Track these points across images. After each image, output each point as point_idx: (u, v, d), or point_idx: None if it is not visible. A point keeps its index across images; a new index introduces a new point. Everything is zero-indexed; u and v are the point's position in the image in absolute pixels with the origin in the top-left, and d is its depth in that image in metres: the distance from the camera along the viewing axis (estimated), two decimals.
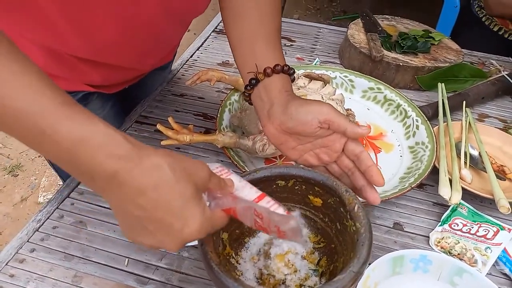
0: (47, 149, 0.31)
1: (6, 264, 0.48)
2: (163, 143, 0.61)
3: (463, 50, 0.87)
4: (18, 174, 1.62)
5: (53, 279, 0.47)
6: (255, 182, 0.45)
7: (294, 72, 0.51)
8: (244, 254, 0.48)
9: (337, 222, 0.45)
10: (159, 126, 0.60)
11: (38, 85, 0.31)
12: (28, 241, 0.51)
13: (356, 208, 0.42)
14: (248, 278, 0.46)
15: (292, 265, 0.46)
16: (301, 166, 0.46)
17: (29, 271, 0.48)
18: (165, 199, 0.31)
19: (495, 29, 1.06)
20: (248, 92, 0.50)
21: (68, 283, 0.47)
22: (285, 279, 0.45)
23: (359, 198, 0.43)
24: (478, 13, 1.08)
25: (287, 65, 0.49)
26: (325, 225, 0.48)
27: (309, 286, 0.45)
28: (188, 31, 0.72)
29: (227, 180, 0.37)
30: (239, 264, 0.47)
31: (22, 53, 0.32)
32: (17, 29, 0.50)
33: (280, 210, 0.36)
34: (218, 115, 0.65)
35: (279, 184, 0.46)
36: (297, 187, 0.47)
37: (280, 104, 0.46)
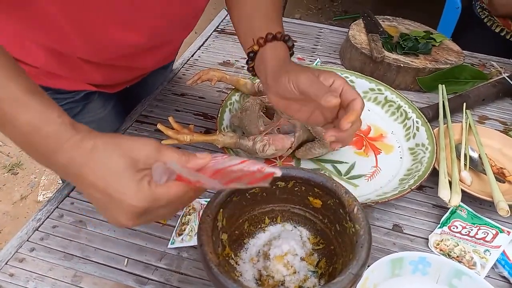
0: (8, 132, 0.35)
1: (6, 264, 0.48)
2: (163, 142, 0.61)
3: (464, 51, 0.87)
4: (18, 173, 1.62)
5: (52, 278, 0.47)
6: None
7: (289, 39, 0.51)
8: (243, 255, 0.48)
9: (337, 223, 0.46)
10: (159, 126, 0.60)
11: (7, 73, 0.33)
12: (28, 240, 0.51)
13: (355, 210, 0.42)
14: (247, 279, 0.46)
15: (291, 266, 0.46)
16: (301, 168, 0.46)
17: (29, 271, 0.48)
18: (101, 176, 0.33)
19: (497, 30, 1.06)
20: (250, 66, 0.52)
21: (67, 282, 0.47)
22: (284, 280, 0.45)
23: (359, 201, 0.43)
24: (480, 14, 1.08)
25: (281, 32, 0.50)
26: (324, 227, 0.48)
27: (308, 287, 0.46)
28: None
29: (199, 155, 0.37)
30: (238, 265, 0.47)
31: None
32: (19, 29, 0.50)
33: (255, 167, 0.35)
34: (219, 115, 0.65)
35: (279, 185, 0.46)
36: (297, 188, 0.47)
37: (272, 72, 0.48)
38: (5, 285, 0.46)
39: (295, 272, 0.46)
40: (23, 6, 0.47)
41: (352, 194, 0.43)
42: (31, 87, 0.34)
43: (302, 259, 0.47)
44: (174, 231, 0.52)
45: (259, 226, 0.49)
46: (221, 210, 0.43)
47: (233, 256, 0.47)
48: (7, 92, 0.33)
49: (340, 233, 0.45)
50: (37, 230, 0.52)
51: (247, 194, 0.47)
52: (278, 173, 0.35)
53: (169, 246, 0.51)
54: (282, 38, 0.50)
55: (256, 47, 0.50)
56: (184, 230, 0.52)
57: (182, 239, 0.51)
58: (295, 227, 0.50)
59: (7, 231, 1.41)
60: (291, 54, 0.52)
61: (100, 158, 0.33)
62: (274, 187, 0.47)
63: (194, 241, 0.50)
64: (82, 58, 0.56)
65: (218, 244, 0.44)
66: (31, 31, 0.51)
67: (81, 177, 0.34)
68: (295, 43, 0.93)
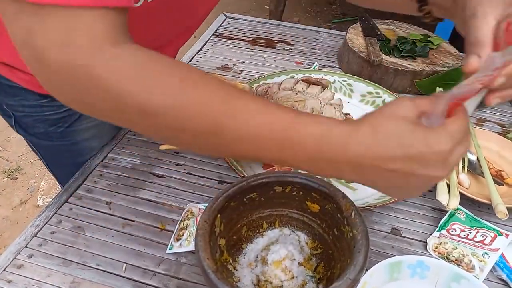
0: (291, 153, 0.34)
1: (4, 270, 0.48)
2: (161, 147, 0.61)
3: (461, 54, 0.87)
4: (17, 177, 1.62)
5: (51, 285, 0.47)
6: (252, 188, 0.45)
7: None
8: (241, 260, 0.48)
9: (334, 228, 0.46)
10: None
11: (257, 105, 0.35)
12: (26, 246, 0.51)
13: (353, 214, 0.42)
14: (245, 285, 0.46)
15: (289, 271, 0.46)
16: (298, 172, 0.47)
17: (27, 277, 0.48)
18: (395, 145, 0.32)
19: None
20: (426, 14, 0.47)
21: None
22: (282, 285, 0.45)
23: (357, 204, 0.43)
24: None
25: None
26: (322, 231, 0.48)
27: None
28: None
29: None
30: (237, 270, 0.47)
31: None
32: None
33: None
34: None
35: (277, 190, 0.47)
36: (295, 193, 0.47)
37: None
38: None
39: (293, 277, 0.46)
40: None
41: (350, 199, 0.43)
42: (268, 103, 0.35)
43: (300, 264, 0.47)
44: (173, 236, 0.52)
45: (257, 231, 0.49)
46: (219, 215, 0.43)
47: (231, 261, 0.47)
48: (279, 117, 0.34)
49: (338, 237, 0.45)
50: (36, 236, 0.52)
51: (244, 199, 0.47)
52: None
53: (168, 251, 0.51)
54: None
55: None
56: (183, 235, 0.52)
57: (180, 244, 0.51)
58: (293, 231, 0.50)
59: (7, 236, 1.41)
60: None
61: (382, 132, 0.32)
62: (271, 192, 0.47)
63: (192, 246, 0.50)
64: None
65: (216, 250, 0.44)
66: None
67: (376, 159, 0.32)
68: (292, 47, 0.94)
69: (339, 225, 0.44)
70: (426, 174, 0.33)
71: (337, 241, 0.45)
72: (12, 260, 0.49)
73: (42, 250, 0.51)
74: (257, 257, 0.48)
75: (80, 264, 0.49)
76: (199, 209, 0.55)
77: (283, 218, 0.50)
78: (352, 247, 0.40)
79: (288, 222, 0.50)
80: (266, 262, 0.46)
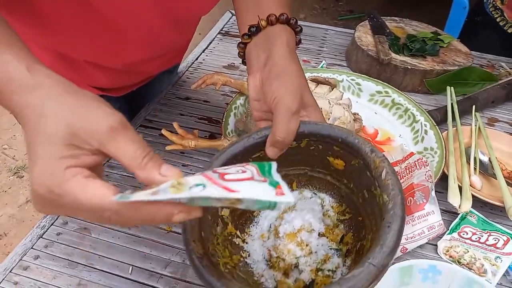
0: None
1: (10, 271, 0.48)
2: (167, 148, 0.61)
3: (472, 52, 0.85)
4: (23, 176, 1.63)
5: (57, 286, 0.47)
6: (258, 145, 0.38)
7: (301, 30, 0.45)
8: (253, 231, 0.40)
9: (364, 189, 0.37)
10: (164, 131, 0.60)
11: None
12: (32, 247, 0.51)
13: (384, 173, 0.33)
14: (255, 260, 0.39)
15: (306, 245, 0.39)
16: (314, 122, 0.38)
17: (33, 279, 0.47)
18: (32, 134, 0.27)
19: (510, 30, 1.04)
20: (245, 42, 0.44)
21: None
22: (298, 262, 0.38)
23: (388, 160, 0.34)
24: (493, 13, 1.06)
25: (295, 18, 0.44)
26: (350, 192, 0.40)
27: (329, 270, 0.38)
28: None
29: (164, 168, 0.27)
30: (246, 243, 0.40)
31: None
32: (24, 31, 0.50)
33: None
34: (224, 120, 0.65)
35: (290, 145, 0.38)
36: (313, 147, 0.39)
37: (281, 57, 0.40)
38: None
39: (311, 252, 0.38)
40: (29, 9, 0.46)
41: (380, 153, 0.34)
42: None
43: (321, 234, 0.39)
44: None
45: None
46: None
47: (239, 233, 0.40)
48: None
49: (369, 201, 0.36)
50: (42, 237, 0.52)
51: (250, 160, 0.39)
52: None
53: (117, 198, 0.28)
54: (294, 27, 0.44)
55: (264, 23, 0.43)
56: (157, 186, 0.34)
57: (156, 191, 0.29)
58: (315, 194, 0.42)
59: (13, 234, 1.41)
60: (297, 44, 0.46)
61: (43, 112, 0.27)
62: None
63: (185, 194, 0.29)
64: (89, 61, 0.56)
65: (217, 223, 0.38)
66: (38, 34, 0.51)
67: (23, 129, 0.28)
68: (300, 45, 0.93)
69: (369, 185, 0.35)
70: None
71: (368, 206, 0.37)
72: (18, 262, 0.49)
73: (48, 251, 0.50)
74: (270, 226, 0.41)
75: (86, 266, 0.49)
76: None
77: (302, 178, 0.42)
78: (381, 218, 0.31)
79: (308, 182, 0.42)
80: (278, 234, 0.40)
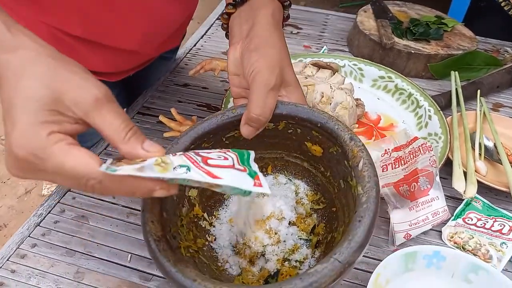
0: None
1: (8, 260, 0.47)
2: (165, 135, 0.59)
3: (477, 37, 0.83)
4: None
5: (55, 275, 0.46)
6: (232, 124, 0.36)
7: (290, 4, 0.43)
8: (222, 214, 0.39)
9: (341, 179, 0.35)
10: (161, 118, 0.59)
11: None
12: (29, 236, 0.50)
13: (361, 164, 0.31)
14: (221, 246, 0.38)
15: (275, 233, 0.37)
16: (294, 103, 0.36)
17: (31, 267, 0.47)
18: (12, 95, 0.26)
19: None
20: (229, 12, 0.41)
21: (70, 279, 0.46)
22: (264, 251, 0.37)
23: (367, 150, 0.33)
24: None
25: None
26: (326, 181, 0.38)
27: (297, 261, 0.37)
28: (192, 19, 0.70)
29: (147, 144, 0.27)
30: (214, 226, 0.38)
31: None
32: (18, 8, 0.49)
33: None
34: (223, 106, 0.63)
35: (267, 127, 0.36)
36: (291, 131, 0.37)
37: (263, 28, 0.37)
38: (7, 282, 0.45)
39: (279, 241, 0.37)
40: None
41: (360, 142, 0.33)
42: None
43: (291, 223, 0.38)
44: (109, 161, 0.29)
45: None
46: None
47: (206, 216, 0.38)
48: None
49: (344, 192, 0.35)
50: (39, 225, 0.51)
51: (223, 139, 0.37)
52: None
53: (104, 169, 0.27)
54: (284, 0, 0.41)
55: None
56: (141, 161, 0.30)
57: (142, 167, 0.27)
58: (290, 180, 0.41)
59: (13, 225, 1.41)
60: (285, 19, 0.44)
61: (24, 74, 0.26)
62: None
63: (170, 175, 0.28)
64: (81, 37, 0.54)
65: (182, 203, 0.36)
66: (32, 10, 0.49)
67: (0, 88, 0.27)
68: (300, 31, 0.91)
69: (346, 175, 0.34)
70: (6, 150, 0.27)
71: (344, 196, 0.35)
72: (16, 250, 0.48)
73: (46, 239, 0.49)
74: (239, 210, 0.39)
75: (84, 254, 0.48)
76: None
77: (278, 163, 0.41)
78: (354, 211, 0.30)
79: (284, 167, 0.41)
80: (247, 219, 0.38)
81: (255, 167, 0.30)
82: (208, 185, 0.27)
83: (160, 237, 0.30)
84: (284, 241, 0.37)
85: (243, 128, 0.36)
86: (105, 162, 0.27)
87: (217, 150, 0.31)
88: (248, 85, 0.36)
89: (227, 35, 0.44)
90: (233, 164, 0.29)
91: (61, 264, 0.47)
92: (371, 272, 0.42)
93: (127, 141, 0.27)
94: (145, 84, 0.74)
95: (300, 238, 0.38)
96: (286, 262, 0.37)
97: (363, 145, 0.32)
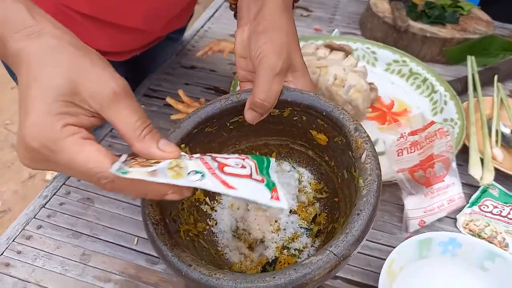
0: None
1: (13, 241, 0.46)
2: (173, 117, 0.58)
3: (494, 21, 0.80)
4: None
5: (61, 256, 0.45)
6: (236, 109, 0.36)
7: None
8: (224, 199, 0.39)
9: (345, 169, 0.35)
10: (168, 100, 0.57)
11: None
12: (34, 217, 0.49)
13: (364, 156, 0.30)
14: (222, 230, 0.38)
15: (276, 221, 0.37)
16: (300, 90, 0.35)
17: (36, 248, 0.46)
18: (29, 83, 0.25)
19: None
20: None
21: (76, 261, 0.45)
22: (264, 238, 0.37)
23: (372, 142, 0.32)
24: None
25: None
26: (330, 171, 0.38)
27: (296, 249, 0.37)
28: (198, 3, 0.67)
29: (163, 143, 0.27)
30: (215, 211, 0.38)
31: None
32: None
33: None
34: (231, 89, 0.61)
35: (272, 113, 0.36)
36: (296, 118, 0.36)
37: (273, 11, 0.36)
38: (13, 263, 0.44)
39: (279, 229, 0.37)
40: None
41: (365, 133, 0.32)
42: None
43: (292, 212, 0.38)
44: (123, 157, 0.28)
45: None
46: (183, 145, 0.34)
47: (208, 200, 0.38)
48: None
49: (348, 182, 0.34)
50: (44, 207, 0.50)
51: (227, 124, 0.36)
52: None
53: (115, 171, 0.26)
54: None
55: None
56: (154, 163, 0.28)
57: (153, 171, 0.26)
58: (294, 167, 0.40)
59: (17, 210, 1.41)
60: (295, 0, 0.42)
61: (45, 62, 0.25)
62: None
63: (184, 181, 0.27)
64: (88, 15, 0.52)
65: None
66: None
67: (18, 75, 0.26)
68: (311, 13, 0.88)
69: (350, 166, 0.33)
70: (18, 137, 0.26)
71: (347, 187, 0.35)
72: (21, 231, 0.47)
73: (51, 221, 0.49)
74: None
75: (90, 236, 0.47)
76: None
77: (282, 150, 0.40)
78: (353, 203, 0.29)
79: (288, 155, 0.40)
80: (247, 205, 0.38)
81: (274, 177, 0.29)
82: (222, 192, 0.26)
83: (159, 220, 0.30)
84: (284, 229, 0.37)
85: (247, 113, 0.35)
86: (119, 158, 0.26)
87: (236, 156, 0.30)
88: (255, 69, 0.35)
89: (235, 15, 0.42)
90: (251, 174, 0.28)
91: (67, 246, 0.46)
92: (384, 259, 0.41)
93: (142, 139, 0.26)
94: (151, 66, 0.73)
95: (301, 227, 0.38)
96: (285, 250, 0.37)
97: (367, 136, 0.32)
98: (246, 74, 0.38)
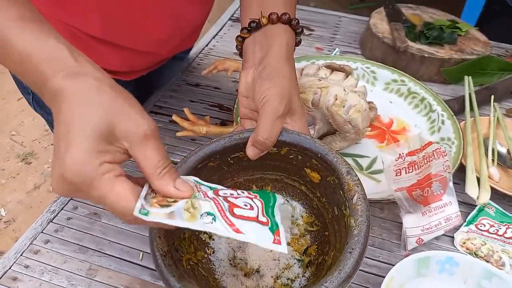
0: (2, 60, 0.31)
1: (21, 255, 0.48)
2: (178, 134, 0.60)
3: (490, 42, 0.83)
4: (31, 162, 1.64)
5: (67, 271, 0.46)
6: (237, 146, 0.39)
7: (302, 31, 0.45)
8: None
9: (335, 206, 0.38)
10: (174, 117, 0.59)
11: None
12: (42, 232, 0.50)
13: (355, 198, 0.33)
14: (219, 258, 0.40)
15: (271, 251, 0.40)
16: (297, 132, 0.39)
17: (44, 263, 0.47)
18: (69, 121, 0.28)
19: None
20: (243, 36, 0.44)
21: (82, 276, 0.46)
22: (259, 267, 0.39)
23: (362, 186, 0.35)
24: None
25: (297, 19, 0.43)
26: (321, 206, 0.41)
27: (288, 278, 0.39)
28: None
29: (179, 183, 0.29)
30: (213, 240, 0.41)
31: None
32: (35, 5, 0.49)
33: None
34: (235, 106, 0.63)
35: (270, 151, 0.39)
36: (292, 156, 0.40)
37: (277, 58, 0.40)
38: (20, 277, 0.46)
39: (274, 259, 0.40)
40: None
41: (356, 176, 0.35)
42: (26, 14, 0.30)
43: (286, 243, 0.41)
44: (144, 192, 0.30)
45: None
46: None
47: None
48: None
49: (337, 218, 0.37)
50: (52, 222, 0.51)
51: (229, 159, 0.40)
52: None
53: (136, 213, 0.28)
54: (296, 27, 0.43)
55: (264, 21, 0.42)
56: (176, 201, 0.30)
57: (171, 213, 0.29)
58: (287, 201, 0.43)
59: (21, 220, 1.42)
60: (297, 44, 0.46)
61: (86, 101, 0.28)
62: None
63: (198, 224, 0.30)
64: (99, 38, 0.54)
65: None
66: (50, 7, 0.50)
67: (57, 112, 0.28)
68: (313, 32, 0.91)
69: (340, 204, 0.36)
70: (52, 167, 0.29)
71: (336, 222, 0.38)
72: (29, 246, 0.49)
73: (59, 236, 0.50)
74: None
75: (97, 251, 0.48)
76: (191, 181, 0.35)
77: (277, 184, 0.43)
78: (346, 240, 0.32)
79: (282, 188, 0.44)
80: None
81: (278, 216, 0.32)
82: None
83: (166, 252, 0.32)
84: (278, 259, 0.40)
85: (249, 149, 0.38)
86: (142, 188, 0.29)
87: (246, 195, 0.32)
88: (256, 108, 0.39)
89: (241, 55, 0.46)
90: (257, 216, 0.30)
91: (73, 260, 0.47)
92: (383, 276, 0.42)
93: (161, 178, 0.29)
94: (158, 83, 0.75)
95: (294, 257, 0.40)
96: (279, 279, 0.39)
97: (358, 179, 0.35)
98: (247, 112, 0.42)
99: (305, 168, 0.40)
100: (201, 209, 0.29)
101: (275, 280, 0.39)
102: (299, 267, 0.40)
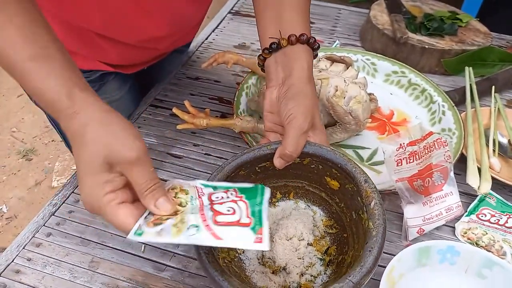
0: (27, 90, 0.36)
1: (24, 248, 0.48)
2: (179, 127, 0.59)
3: (491, 33, 0.82)
4: (32, 158, 1.64)
5: (70, 264, 0.46)
6: (265, 156, 0.43)
7: (318, 47, 0.48)
8: None
9: (353, 211, 0.42)
10: (175, 110, 0.59)
11: (16, 39, 0.34)
12: (44, 225, 0.50)
13: (373, 204, 0.38)
14: (249, 258, 0.44)
15: (296, 250, 0.43)
16: (319, 145, 0.44)
17: (46, 255, 0.47)
18: (75, 156, 0.35)
19: None
20: (265, 56, 0.48)
21: (85, 268, 0.46)
22: (286, 265, 0.43)
23: (379, 192, 0.39)
24: None
25: (314, 37, 0.46)
26: (340, 211, 0.45)
27: (312, 275, 0.43)
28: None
29: (161, 202, 0.34)
30: None
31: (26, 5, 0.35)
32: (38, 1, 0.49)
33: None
34: (235, 99, 0.63)
35: (294, 161, 0.44)
36: (313, 166, 0.44)
37: (299, 79, 0.44)
38: (23, 270, 0.46)
39: (299, 258, 0.43)
40: None
41: (373, 184, 0.39)
42: (37, 52, 0.34)
43: (309, 244, 0.44)
44: (143, 217, 0.35)
45: (270, 201, 0.47)
46: None
47: None
48: (16, 56, 0.34)
49: (355, 222, 0.42)
50: (53, 215, 0.52)
51: (256, 168, 0.44)
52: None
53: (131, 236, 0.33)
54: (313, 46, 0.47)
55: (284, 42, 0.45)
56: (166, 219, 0.34)
57: (160, 230, 0.33)
58: (308, 206, 0.47)
59: (23, 216, 1.43)
60: (314, 57, 0.49)
61: (83, 143, 0.34)
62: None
63: (181, 239, 0.33)
64: (100, 33, 0.54)
65: None
66: (52, 3, 0.50)
67: (73, 147, 0.35)
68: (313, 25, 0.90)
69: (358, 209, 0.41)
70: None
71: (354, 225, 0.42)
72: (31, 239, 0.49)
73: (60, 229, 0.50)
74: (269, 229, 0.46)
75: (99, 243, 0.49)
76: (196, 187, 0.38)
77: (299, 191, 0.48)
78: (365, 242, 0.37)
79: (304, 195, 0.48)
80: (273, 238, 0.44)
81: (265, 213, 0.35)
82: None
83: (208, 251, 0.36)
84: (303, 258, 0.43)
85: (276, 160, 0.43)
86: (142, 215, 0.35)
87: (231, 199, 0.36)
88: (280, 123, 0.44)
89: (262, 70, 0.50)
90: (239, 219, 0.34)
91: (76, 253, 0.48)
92: (384, 266, 0.42)
93: (145, 197, 0.34)
94: (158, 77, 0.75)
95: (316, 257, 0.44)
96: (303, 276, 0.43)
97: (375, 187, 0.39)
98: (272, 126, 0.47)
99: (325, 177, 0.44)
100: (188, 222, 0.33)
101: (300, 277, 0.43)
102: (321, 265, 0.44)
